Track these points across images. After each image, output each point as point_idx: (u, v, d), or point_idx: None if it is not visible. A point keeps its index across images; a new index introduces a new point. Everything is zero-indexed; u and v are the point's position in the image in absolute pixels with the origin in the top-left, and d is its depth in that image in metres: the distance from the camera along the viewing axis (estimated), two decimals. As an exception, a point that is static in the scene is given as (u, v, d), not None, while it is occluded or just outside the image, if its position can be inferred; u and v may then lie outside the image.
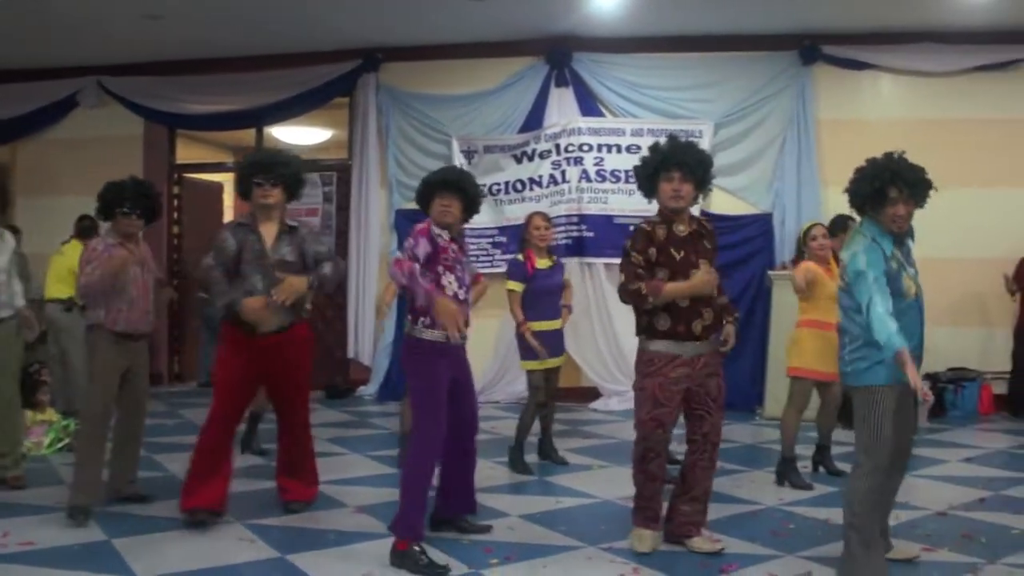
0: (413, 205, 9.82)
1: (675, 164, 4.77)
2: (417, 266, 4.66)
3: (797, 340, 6.44)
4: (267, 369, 5.29)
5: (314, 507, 5.56)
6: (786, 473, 6.28)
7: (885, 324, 3.98)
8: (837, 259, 5.66)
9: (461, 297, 4.84)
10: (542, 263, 6.90)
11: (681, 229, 4.84)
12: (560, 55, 9.99)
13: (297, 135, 11.37)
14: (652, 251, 4.74)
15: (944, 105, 9.57)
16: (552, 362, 6.87)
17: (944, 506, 5.77)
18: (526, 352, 6.75)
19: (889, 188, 4.16)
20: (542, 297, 6.85)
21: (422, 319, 4.78)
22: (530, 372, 6.83)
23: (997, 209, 9.46)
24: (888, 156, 4.33)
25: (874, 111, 9.72)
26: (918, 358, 4.28)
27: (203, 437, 5.23)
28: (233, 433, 5.38)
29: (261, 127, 10.89)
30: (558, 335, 6.99)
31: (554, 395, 7.13)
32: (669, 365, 4.69)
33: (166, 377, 11.09)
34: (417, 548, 4.51)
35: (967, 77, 9.63)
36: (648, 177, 4.87)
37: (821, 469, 6.60)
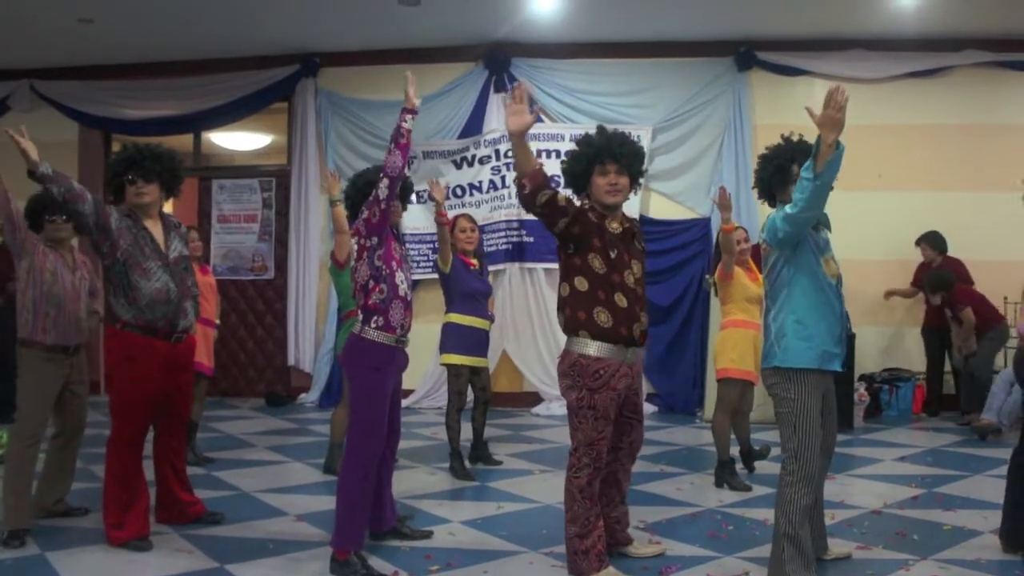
0: (353, 210, 10.04)
1: (611, 156, 4.48)
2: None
3: (721, 342, 6.52)
4: (177, 378, 5.08)
5: (253, 516, 5.49)
6: (724, 476, 6.35)
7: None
8: (757, 262, 5.72)
9: (409, 298, 4.71)
10: (472, 262, 6.98)
11: (615, 227, 4.46)
12: (499, 61, 10.03)
13: (236, 140, 11.28)
14: (577, 228, 4.31)
15: (876, 111, 9.74)
16: (474, 360, 6.84)
17: (879, 504, 5.87)
18: (444, 345, 6.73)
19: (792, 166, 4.24)
20: (471, 296, 6.86)
21: (375, 318, 4.57)
22: (449, 367, 6.79)
23: (924, 212, 9.62)
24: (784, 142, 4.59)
25: (808, 116, 9.80)
26: (843, 341, 4.34)
27: (114, 463, 4.91)
28: (143, 449, 5.04)
29: (199, 132, 10.77)
30: (484, 336, 6.96)
31: (488, 399, 7.14)
32: (615, 376, 4.34)
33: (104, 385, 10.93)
34: (356, 558, 4.45)
35: (897, 83, 9.86)
36: (580, 171, 4.54)
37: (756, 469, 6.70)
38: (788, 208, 4.09)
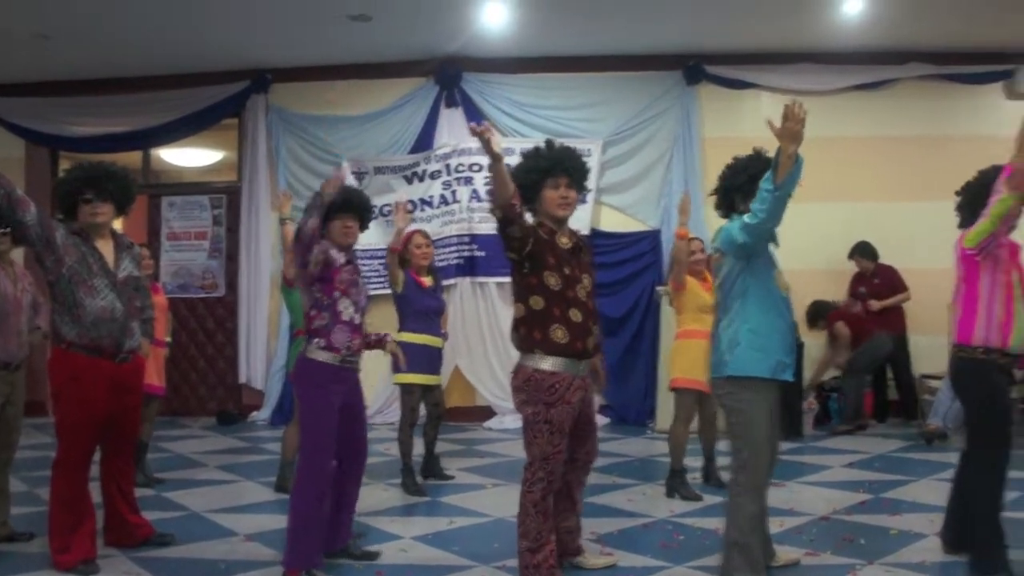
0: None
1: (563, 170, 4.47)
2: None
3: (674, 352, 6.57)
4: (123, 399, 4.96)
5: (203, 536, 5.41)
6: (675, 485, 6.39)
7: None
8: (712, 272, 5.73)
9: (357, 322, 4.74)
10: (427, 280, 6.91)
11: (564, 242, 4.47)
12: (449, 76, 10.04)
13: (186, 157, 11.15)
14: (531, 247, 4.29)
15: (822, 123, 9.65)
16: (427, 379, 6.79)
17: (828, 510, 5.96)
18: (397, 364, 6.44)
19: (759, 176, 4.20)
20: (424, 314, 6.80)
21: (317, 340, 4.68)
22: (402, 385, 6.71)
23: (870, 222, 9.78)
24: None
25: (756, 129, 9.79)
26: (793, 351, 4.45)
27: (60, 486, 4.81)
28: (89, 470, 4.94)
29: (148, 149, 10.67)
30: (437, 353, 6.93)
31: (441, 414, 7.09)
32: (570, 390, 4.34)
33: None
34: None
35: (843, 96, 10.00)
36: (531, 184, 4.47)
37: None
38: (747, 218, 4.17)
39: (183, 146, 10.79)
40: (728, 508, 4.36)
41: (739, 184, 4.50)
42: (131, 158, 10.28)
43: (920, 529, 5.45)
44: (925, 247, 9.50)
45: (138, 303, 5.11)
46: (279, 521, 5.48)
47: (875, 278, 9.60)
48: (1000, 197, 4.62)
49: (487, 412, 9.92)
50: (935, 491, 6.41)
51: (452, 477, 7.04)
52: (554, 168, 4.48)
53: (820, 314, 9.46)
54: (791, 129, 3.97)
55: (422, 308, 6.79)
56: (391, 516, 5.94)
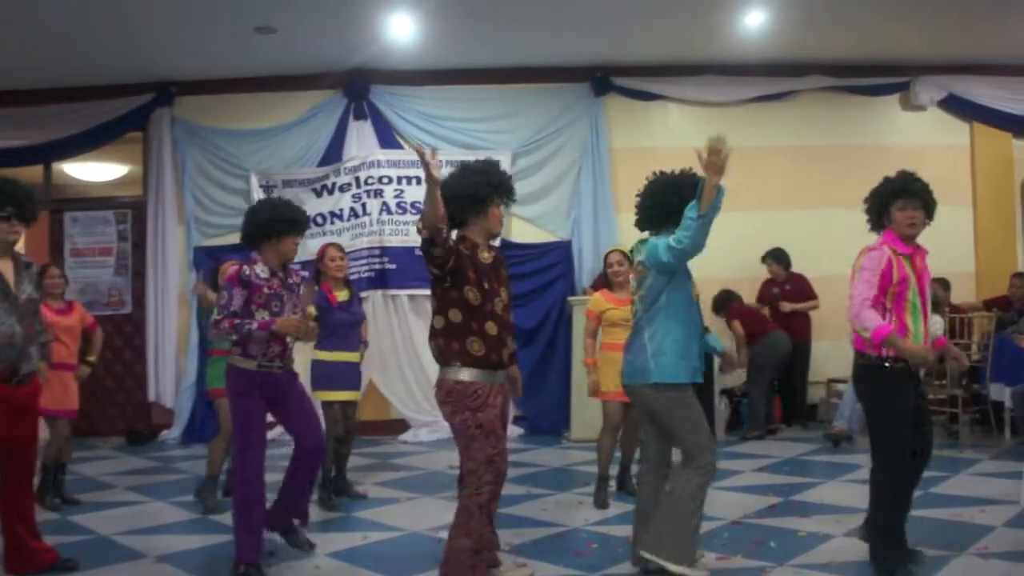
0: (212, 242, 9.86)
1: (507, 192, 4.74)
2: (239, 321, 4.88)
3: (600, 364, 6.57)
4: (20, 424, 4.89)
5: (110, 560, 5.29)
6: (597, 490, 6.48)
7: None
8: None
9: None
10: (340, 295, 6.81)
11: (485, 256, 4.61)
12: (358, 88, 10.00)
13: (90, 171, 10.87)
14: (453, 262, 4.41)
15: (727, 133, 9.94)
16: (347, 395, 6.78)
17: (739, 514, 6.09)
18: (315, 382, 6.64)
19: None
20: (341, 329, 6.74)
21: (235, 349, 5.03)
22: (322, 402, 6.62)
23: (775, 230, 10.01)
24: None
25: (663, 139, 10.12)
26: (702, 356, 4.82)
27: None
28: None
29: (49, 163, 10.39)
30: (356, 368, 6.90)
31: (352, 430, 6.96)
32: (491, 395, 4.50)
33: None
34: (250, 569, 4.74)
35: (747, 107, 10.25)
36: (481, 198, 4.61)
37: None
38: (673, 242, 4.50)
39: (86, 160, 10.52)
40: (686, 497, 4.67)
41: (673, 204, 4.67)
42: (32, 172, 10.02)
43: (828, 530, 5.61)
44: (829, 254, 9.77)
45: (37, 326, 5.01)
46: (190, 542, 5.54)
47: (787, 284, 9.80)
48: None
49: (401, 425, 9.87)
50: (842, 492, 6.68)
51: (364, 496, 6.93)
52: (502, 187, 4.73)
53: (723, 303, 9.60)
54: (715, 163, 4.34)
55: (334, 325, 6.69)
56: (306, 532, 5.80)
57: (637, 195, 5.13)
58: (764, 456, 8.27)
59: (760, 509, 6.25)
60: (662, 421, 4.74)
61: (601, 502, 6.45)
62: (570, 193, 10.08)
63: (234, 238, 9.32)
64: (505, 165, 9.59)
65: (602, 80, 10.08)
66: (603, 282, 7.07)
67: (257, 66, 9.77)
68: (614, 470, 6.74)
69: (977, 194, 10.46)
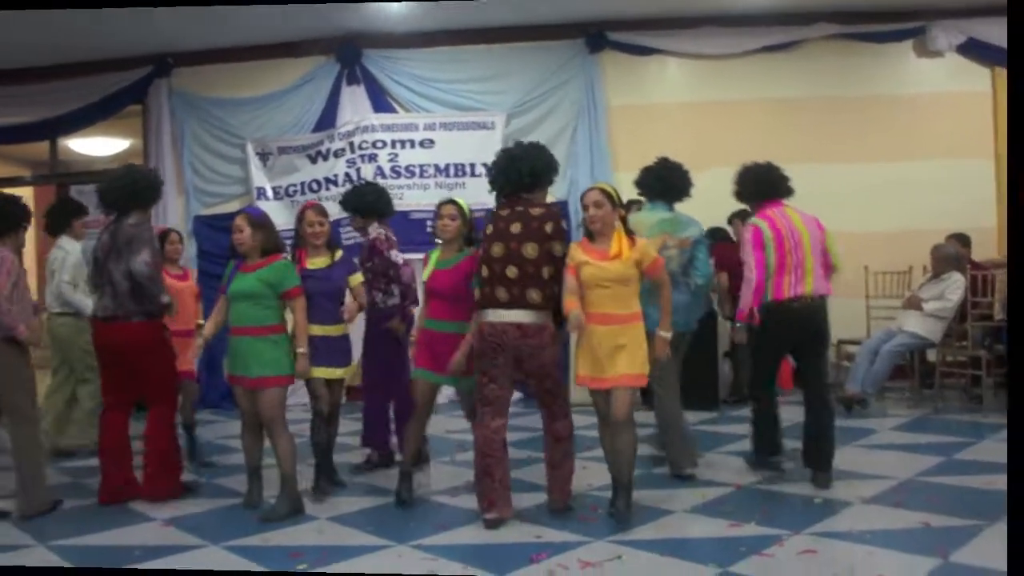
0: (211, 211, 9.94)
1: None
2: None
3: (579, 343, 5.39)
4: None
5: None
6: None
7: None
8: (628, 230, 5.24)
9: None
10: (315, 262, 6.25)
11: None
12: (350, 53, 9.94)
13: (94, 146, 11.11)
14: None
15: (728, 87, 9.79)
16: (322, 372, 6.10)
17: (746, 481, 5.91)
18: None
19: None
20: (315, 299, 6.08)
21: None
22: (307, 381, 6.07)
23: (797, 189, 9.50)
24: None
25: (662, 95, 9.88)
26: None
27: None
28: None
29: (55, 139, 10.61)
30: (337, 342, 6.24)
31: (335, 411, 6.38)
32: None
33: None
34: None
35: (749, 59, 9.85)
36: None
37: None
38: (698, 279, 6.14)
39: (90, 135, 10.73)
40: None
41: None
42: (39, 148, 10.24)
43: (846, 497, 5.40)
44: (845, 209, 9.33)
45: None
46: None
47: None
48: None
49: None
50: (857, 458, 6.43)
51: (344, 485, 6.36)
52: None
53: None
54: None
55: (314, 291, 6.09)
56: (304, 497, 5.69)
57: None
58: None
59: (770, 475, 6.02)
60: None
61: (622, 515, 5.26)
62: (566, 153, 9.77)
63: (232, 207, 9.58)
64: (499, 126, 9.63)
65: (597, 36, 9.80)
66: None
67: (251, 35, 9.78)
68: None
69: (999, 145, 9.79)
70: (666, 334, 5.26)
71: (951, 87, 9.83)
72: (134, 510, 5.63)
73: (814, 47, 9.84)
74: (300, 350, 5.59)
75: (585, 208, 5.32)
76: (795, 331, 5.92)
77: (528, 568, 4.44)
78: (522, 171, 5.26)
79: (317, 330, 6.04)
